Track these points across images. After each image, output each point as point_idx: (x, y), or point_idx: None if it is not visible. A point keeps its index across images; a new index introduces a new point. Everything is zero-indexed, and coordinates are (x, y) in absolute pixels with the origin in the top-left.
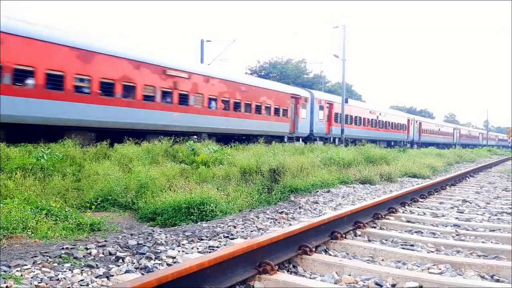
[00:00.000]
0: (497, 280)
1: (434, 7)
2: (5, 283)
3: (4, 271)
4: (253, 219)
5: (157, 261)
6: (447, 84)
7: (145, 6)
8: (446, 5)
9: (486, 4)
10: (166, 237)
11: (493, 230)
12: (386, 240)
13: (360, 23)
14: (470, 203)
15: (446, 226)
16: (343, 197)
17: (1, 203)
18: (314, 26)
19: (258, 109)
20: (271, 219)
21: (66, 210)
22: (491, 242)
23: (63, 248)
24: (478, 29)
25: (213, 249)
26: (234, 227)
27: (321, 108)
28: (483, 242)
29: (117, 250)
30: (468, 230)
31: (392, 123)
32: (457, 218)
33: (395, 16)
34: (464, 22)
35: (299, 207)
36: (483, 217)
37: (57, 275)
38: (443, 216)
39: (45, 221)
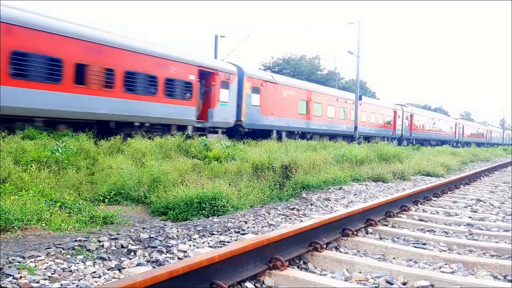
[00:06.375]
0: (510, 281)
1: (450, 2)
2: (19, 273)
3: (19, 262)
4: (264, 215)
5: (168, 255)
6: (462, 82)
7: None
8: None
9: (500, 2)
10: (177, 231)
11: (507, 230)
12: (398, 238)
13: (374, 18)
14: (484, 202)
15: (459, 225)
16: (355, 194)
17: (15, 195)
18: (329, 22)
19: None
20: (282, 215)
21: (80, 203)
22: (505, 242)
23: (76, 240)
24: (492, 26)
25: (224, 244)
26: (245, 222)
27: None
28: (496, 242)
29: (129, 243)
30: (482, 229)
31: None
32: (470, 217)
33: (410, 12)
34: (476, 20)
35: (311, 204)
36: (497, 217)
37: (70, 267)
38: (456, 215)
39: (59, 214)
